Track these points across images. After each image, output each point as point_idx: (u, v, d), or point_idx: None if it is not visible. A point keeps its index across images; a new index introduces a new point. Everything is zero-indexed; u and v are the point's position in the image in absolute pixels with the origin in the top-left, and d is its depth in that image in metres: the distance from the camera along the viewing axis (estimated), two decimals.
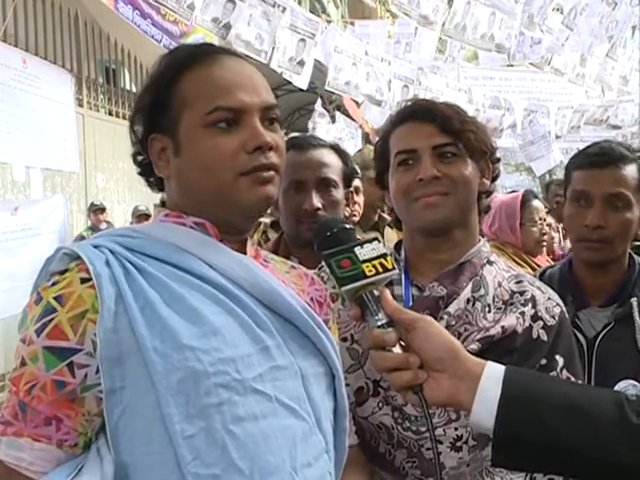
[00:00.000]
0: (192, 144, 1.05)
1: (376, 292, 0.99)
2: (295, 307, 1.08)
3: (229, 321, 1.01)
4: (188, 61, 1.08)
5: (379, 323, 0.98)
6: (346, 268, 0.98)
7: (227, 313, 1.01)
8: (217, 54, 1.10)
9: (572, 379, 1.34)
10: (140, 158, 1.14)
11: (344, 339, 1.39)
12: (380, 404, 1.36)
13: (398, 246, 1.49)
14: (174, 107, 1.06)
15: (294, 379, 1.05)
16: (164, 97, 1.07)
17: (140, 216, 7.40)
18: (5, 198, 6.02)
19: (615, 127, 8.18)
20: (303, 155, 1.87)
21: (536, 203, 3.30)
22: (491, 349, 1.30)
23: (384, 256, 1.00)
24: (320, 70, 5.61)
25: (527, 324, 1.35)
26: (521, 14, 6.19)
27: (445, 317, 1.34)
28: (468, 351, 1.01)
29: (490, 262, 1.42)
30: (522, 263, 3.10)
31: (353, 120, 7.57)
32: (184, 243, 1.05)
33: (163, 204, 1.14)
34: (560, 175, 8.60)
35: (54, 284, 0.98)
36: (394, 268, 1.00)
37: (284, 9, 4.54)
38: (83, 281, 0.97)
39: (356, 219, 2.81)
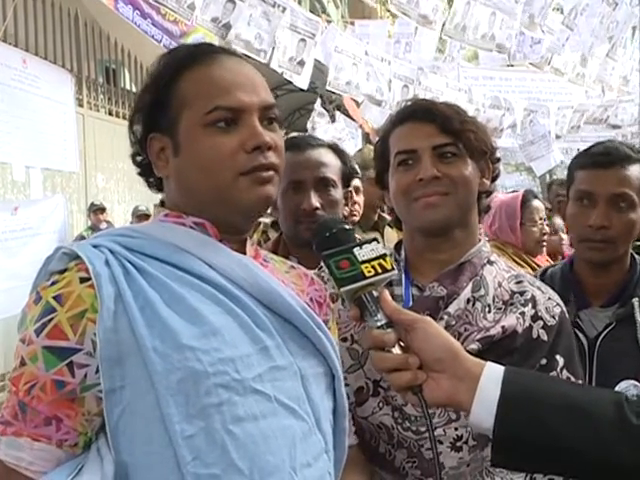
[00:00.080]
0: (191, 144, 1.05)
1: (375, 293, 0.99)
2: (294, 307, 1.08)
3: (229, 321, 1.00)
4: (187, 61, 1.08)
5: (378, 324, 0.98)
6: (345, 269, 0.98)
7: (227, 313, 1.01)
8: (216, 54, 1.10)
9: (572, 379, 1.34)
10: (139, 158, 1.14)
11: (344, 339, 1.39)
12: (380, 404, 1.36)
13: (398, 246, 1.49)
14: (173, 107, 1.06)
15: (293, 379, 1.05)
16: (163, 97, 1.07)
17: (140, 216, 7.39)
18: (5, 198, 6.01)
19: (615, 127, 8.19)
20: (301, 155, 1.86)
21: (536, 203, 3.30)
22: (491, 349, 1.30)
23: (383, 257, 1.00)
24: (320, 70, 5.60)
25: (527, 324, 1.35)
26: (521, 14, 6.18)
27: (445, 317, 1.33)
28: (468, 351, 1.01)
29: (490, 262, 1.42)
30: (522, 263, 3.10)
31: (353, 120, 7.57)
32: (184, 243, 1.05)
33: (163, 204, 1.14)
34: (560, 175, 8.62)
35: (53, 284, 0.98)
36: (393, 269, 1.00)
37: (284, 9, 4.54)
38: (82, 281, 0.97)
39: (356, 219, 2.82)
